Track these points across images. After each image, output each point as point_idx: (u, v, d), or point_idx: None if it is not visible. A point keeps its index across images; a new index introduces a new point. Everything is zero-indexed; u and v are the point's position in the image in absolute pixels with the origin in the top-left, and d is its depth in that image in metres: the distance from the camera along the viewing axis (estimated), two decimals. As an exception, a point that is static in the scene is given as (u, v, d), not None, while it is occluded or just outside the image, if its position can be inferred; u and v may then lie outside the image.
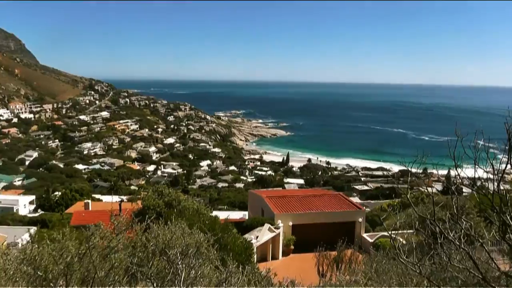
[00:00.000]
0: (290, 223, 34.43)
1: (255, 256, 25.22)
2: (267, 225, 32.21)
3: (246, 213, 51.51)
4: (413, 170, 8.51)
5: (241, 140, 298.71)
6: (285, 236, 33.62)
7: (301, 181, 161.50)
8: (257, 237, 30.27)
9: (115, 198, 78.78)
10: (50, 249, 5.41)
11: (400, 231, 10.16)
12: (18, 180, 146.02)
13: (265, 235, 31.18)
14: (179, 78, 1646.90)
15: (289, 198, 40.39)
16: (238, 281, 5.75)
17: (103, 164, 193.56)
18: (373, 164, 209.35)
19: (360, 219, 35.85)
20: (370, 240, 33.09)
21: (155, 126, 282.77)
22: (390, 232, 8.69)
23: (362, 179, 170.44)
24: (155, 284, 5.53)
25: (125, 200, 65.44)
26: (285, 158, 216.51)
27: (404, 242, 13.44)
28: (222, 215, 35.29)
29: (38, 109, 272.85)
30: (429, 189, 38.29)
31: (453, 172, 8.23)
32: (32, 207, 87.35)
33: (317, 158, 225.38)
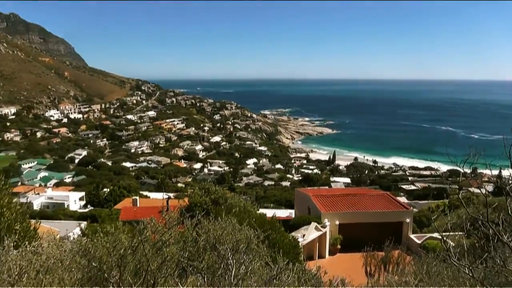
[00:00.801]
0: (337, 222, 34.10)
1: (302, 255, 25.10)
2: (313, 224, 32.01)
3: (293, 211, 51.36)
4: (465, 170, 8.29)
5: (287, 138, 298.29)
6: (332, 235, 33.35)
7: (348, 180, 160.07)
8: (303, 235, 30.14)
9: (162, 195, 79.69)
10: (104, 241, 5.56)
11: (450, 233, 9.91)
12: (68, 177, 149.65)
13: (311, 233, 31.01)
14: (224, 77, 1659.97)
15: (336, 197, 39.98)
16: (288, 278, 5.74)
17: (150, 162, 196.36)
18: (420, 163, 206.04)
19: (408, 220, 35.08)
20: (418, 242, 32.44)
21: (202, 125, 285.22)
22: (441, 233, 8.49)
23: (409, 178, 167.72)
24: (205, 278, 5.58)
25: (172, 197, 66.06)
26: (331, 157, 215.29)
27: (453, 244, 13.13)
28: (268, 213, 35.25)
29: (87, 109, 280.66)
30: (482, 190, 37.37)
31: (506, 172, 8.03)
32: (82, 203, 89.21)
33: (364, 156, 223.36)
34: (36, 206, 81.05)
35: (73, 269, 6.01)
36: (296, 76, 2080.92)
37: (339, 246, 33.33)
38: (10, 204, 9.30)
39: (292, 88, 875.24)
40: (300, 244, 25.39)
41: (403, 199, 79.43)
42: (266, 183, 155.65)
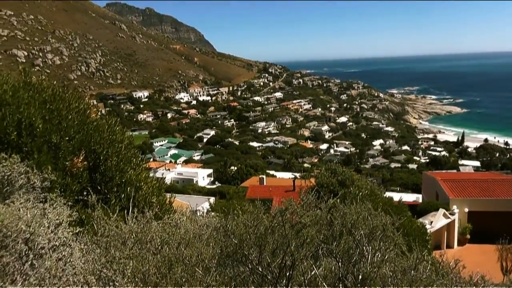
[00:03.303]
0: (466, 210, 32.39)
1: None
2: (441, 210, 30.70)
3: (420, 196, 50.02)
4: None
5: (414, 118, 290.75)
6: (461, 223, 31.87)
7: (477, 163, 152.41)
8: (431, 222, 29.14)
9: (289, 175, 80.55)
10: (245, 219, 5.76)
11: None
12: (197, 155, 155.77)
13: (439, 221, 29.84)
14: (352, 56, 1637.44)
15: (465, 181, 37.97)
16: (426, 270, 5.61)
17: (276, 142, 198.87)
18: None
19: (546, 211, 32.33)
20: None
21: (328, 105, 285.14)
22: None
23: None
24: (340, 263, 5.60)
25: (298, 177, 66.72)
26: (459, 138, 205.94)
27: None
28: (395, 196, 34.41)
29: (215, 92, 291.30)
30: None
31: None
32: (210, 179, 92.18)
33: (495, 137, 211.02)
34: (167, 181, 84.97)
35: (211, 244, 6.28)
36: (425, 52, 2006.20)
37: (468, 236, 31.70)
38: (147, 179, 9.85)
39: (420, 65, 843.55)
40: (428, 231, 24.60)
41: (539, 187, 74.28)
42: (393, 165, 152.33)
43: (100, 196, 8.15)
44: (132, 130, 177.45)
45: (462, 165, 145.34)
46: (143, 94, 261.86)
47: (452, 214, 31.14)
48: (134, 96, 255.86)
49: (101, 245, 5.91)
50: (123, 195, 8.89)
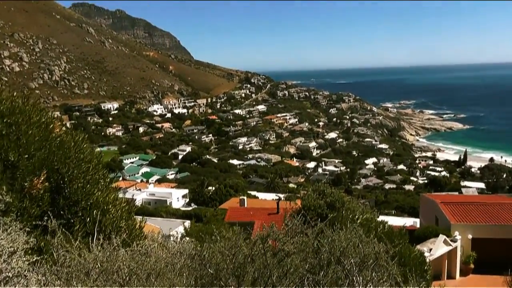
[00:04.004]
0: (470, 236, 32.38)
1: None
2: (442, 237, 30.62)
3: (417, 220, 50.20)
4: None
5: (411, 134, 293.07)
6: (463, 251, 31.89)
7: (481, 185, 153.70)
8: (430, 249, 29.15)
9: (272, 196, 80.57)
10: (221, 247, 5.74)
11: None
12: (171, 174, 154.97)
13: (439, 248, 29.87)
14: (341, 66, 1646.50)
15: (468, 205, 38.07)
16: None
17: (259, 159, 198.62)
18: None
19: (560, 238, 32.50)
20: None
21: (316, 120, 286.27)
22: None
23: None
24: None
25: (282, 198, 66.71)
26: (462, 157, 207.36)
27: None
28: (390, 220, 34.40)
29: (192, 104, 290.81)
30: None
31: None
32: (185, 200, 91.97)
33: (501, 157, 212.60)
34: (138, 202, 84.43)
35: (185, 274, 6.22)
36: (423, 62, 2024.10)
37: (472, 266, 31.66)
38: (116, 200, 9.73)
39: (417, 76, 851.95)
40: (427, 260, 24.57)
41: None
42: (387, 186, 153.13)
43: (63, 220, 8.05)
44: (100, 146, 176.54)
45: (465, 186, 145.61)
46: (112, 105, 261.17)
47: (454, 241, 31.06)
48: (103, 107, 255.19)
49: (61, 276, 5.84)
50: (88, 219, 8.79)
